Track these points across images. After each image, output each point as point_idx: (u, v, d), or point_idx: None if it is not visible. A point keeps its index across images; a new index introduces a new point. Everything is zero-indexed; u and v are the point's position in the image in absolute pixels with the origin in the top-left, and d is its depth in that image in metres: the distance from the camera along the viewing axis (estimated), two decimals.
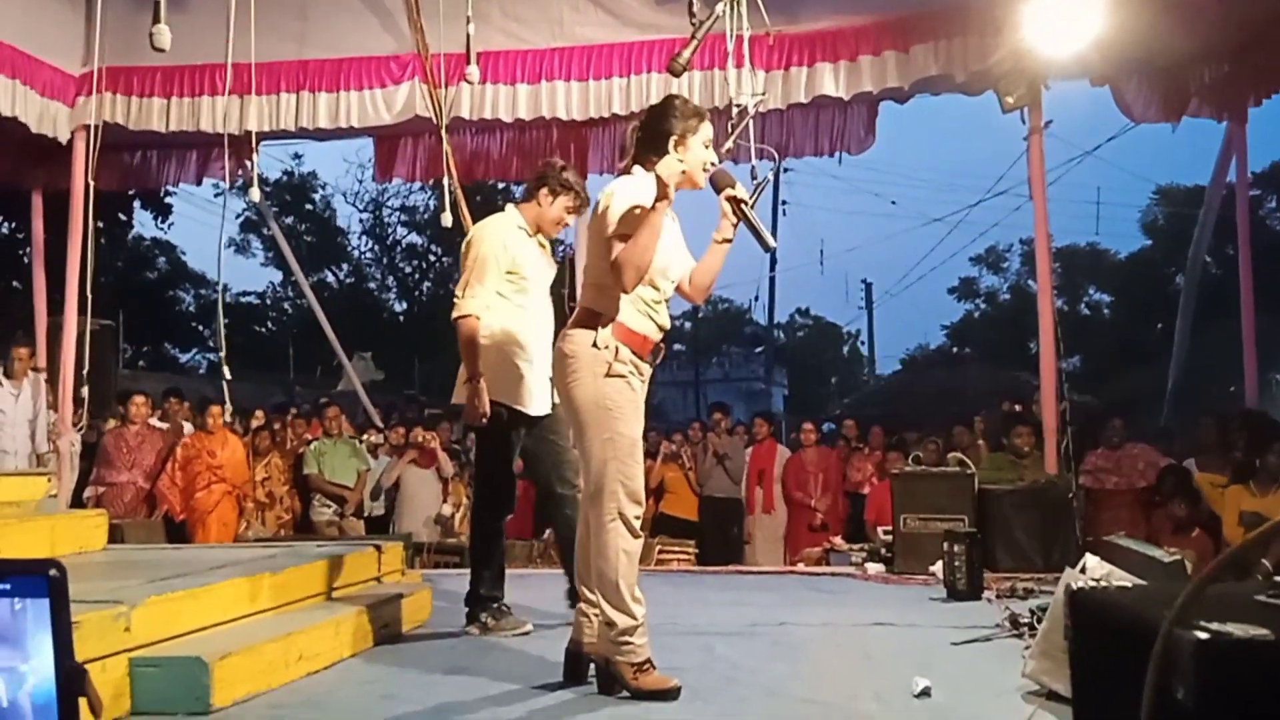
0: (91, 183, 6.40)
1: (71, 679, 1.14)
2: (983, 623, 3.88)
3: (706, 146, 3.01)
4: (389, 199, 28.22)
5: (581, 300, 3.04)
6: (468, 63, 5.74)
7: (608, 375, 2.87)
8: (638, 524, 2.91)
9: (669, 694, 2.83)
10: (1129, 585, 1.80)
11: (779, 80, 6.39)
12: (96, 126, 6.70)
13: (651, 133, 3.02)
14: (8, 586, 1.15)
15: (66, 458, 7.10)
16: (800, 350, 38.38)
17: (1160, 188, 25.52)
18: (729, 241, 3.03)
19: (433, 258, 28.85)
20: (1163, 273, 23.38)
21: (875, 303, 31.72)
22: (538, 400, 3.90)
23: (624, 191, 2.94)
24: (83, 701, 1.15)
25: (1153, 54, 6.48)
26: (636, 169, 3.03)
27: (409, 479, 8.12)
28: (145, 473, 7.27)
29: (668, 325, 3.07)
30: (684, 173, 2.92)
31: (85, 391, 6.69)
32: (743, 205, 2.94)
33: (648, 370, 2.99)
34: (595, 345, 2.88)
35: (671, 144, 2.96)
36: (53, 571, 1.15)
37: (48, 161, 7.72)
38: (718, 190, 2.98)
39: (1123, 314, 27.05)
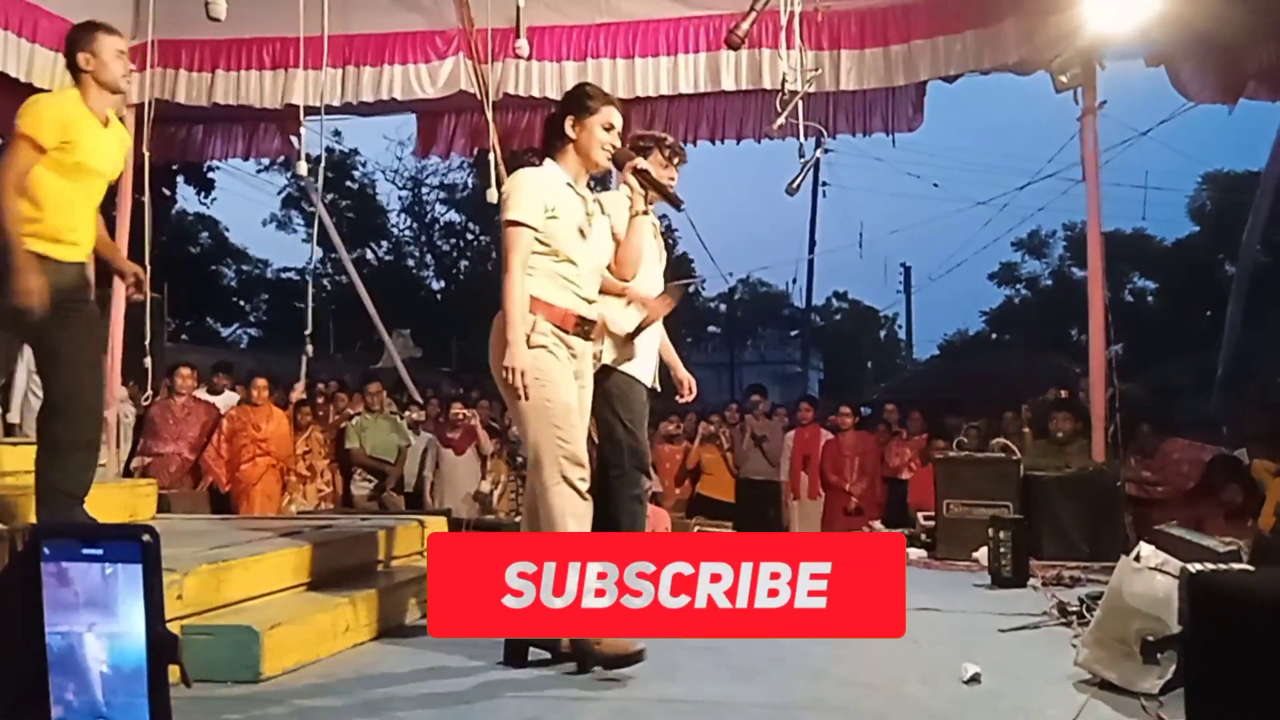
0: (146, 154, 6.45)
1: (163, 646, 1.14)
2: (1029, 610, 3.84)
3: (606, 129, 3.15)
4: (428, 177, 28.31)
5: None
6: (517, 37, 5.71)
7: (530, 347, 2.95)
8: (583, 486, 2.97)
9: (633, 657, 2.84)
10: (1249, 569, 1.75)
11: (826, 62, 6.31)
12: (150, 101, 6.74)
13: (554, 118, 3.17)
14: (100, 551, 1.16)
15: (114, 428, 7.21)
16: (837, 334, 38.11)
17: (1209, 173, 25.02)
18: (645, 213, 3.33)
19: (470, 236, 28.93)
20: (1210, 260, 22.93)
21: (914, 287, 31.41)
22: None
23: (526, 181, 3.06)
24: (173, 670, 1.15)
25: (1212, 32, 6.31)
26: (547, 161, 3.15)
27: (448, 455, 8.18)
28: (190, 444, 7.36)
29: (594, 298, 3.17)
30: (581, 156, 3.13)
31: (149, 363, 6.78)
32: (647, 174, 3.24)
33: (578, 343, 3.09)
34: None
35: (569, 125, 3.11)
36: (146, 537, 1.16)
37: None
38: (619, 167, 3.21)
39: (1167, 301, 26.60)
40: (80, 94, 3.42)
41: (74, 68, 3.45)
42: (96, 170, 3.47)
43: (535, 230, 3.00)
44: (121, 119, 3.83)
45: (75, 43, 3.44)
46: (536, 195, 3.03)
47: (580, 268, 3.09)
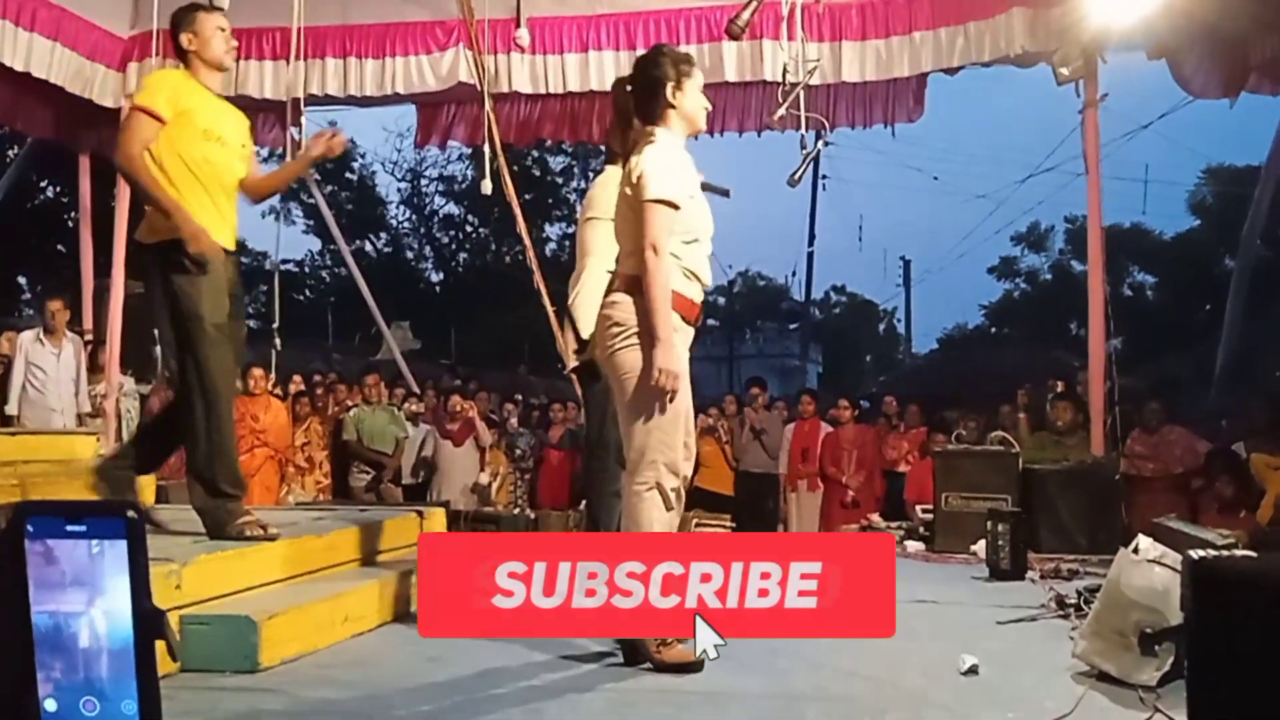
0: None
1: (148, 621, 1.14)
2: (1027, 603, 3.84)
3: (700, 90, 3.03)
4: (427, 169, 28.26)
5: (622, 266, 2.99)
6: (517, 26, 5.69)
7: None
8: (674, 496, 2.87)
9: (694, 666, 2.79)
10: (1252, 555, 1.76)
11: (827, 54, 6.30)
12: None
13: (651, 81, 2.99)
14: (84, 528, 1.15)
15: (112, 417, 7.21)
16: (836, 327, 38.10)
17: (1209, 167, 24.98)
18: None
19: (470, 228, 28.90)
20: (1210, 254, 22.91)
21: (914, 280, 31.39)
22: None
23: (664, 154, 2.91)
24: (160, 646, 1.15)
25: (1214, 24, 6.29)
26: (659, 131, 2.96)
27: (446, 447, 8.18)
28: None
29: (710, 284, 3.05)
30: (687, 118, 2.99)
31: (158, 352, 6.76)
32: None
33: (690, 334, 2.97)
34: None
35: (669, 90, 2.96)
36: (130, 513, 1.15)
37: (96, 124, 7.79)
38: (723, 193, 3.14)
39: (1167, 295, 26.58)
40: (188, 73, 3.50)
41: (180, 51, 3.51)
42: (222, 138, 3.49)
43: (678, 210, 2.86)
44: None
45: (177, 25, 3.52)
46: (679, 172, 2.90)
47: (706, 251, 2.99)
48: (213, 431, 3.41)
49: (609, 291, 2.99)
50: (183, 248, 3.27)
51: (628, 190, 2.94)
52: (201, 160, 3.42)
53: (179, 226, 3.26)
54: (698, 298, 2.97)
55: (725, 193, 3.02)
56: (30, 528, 1.17)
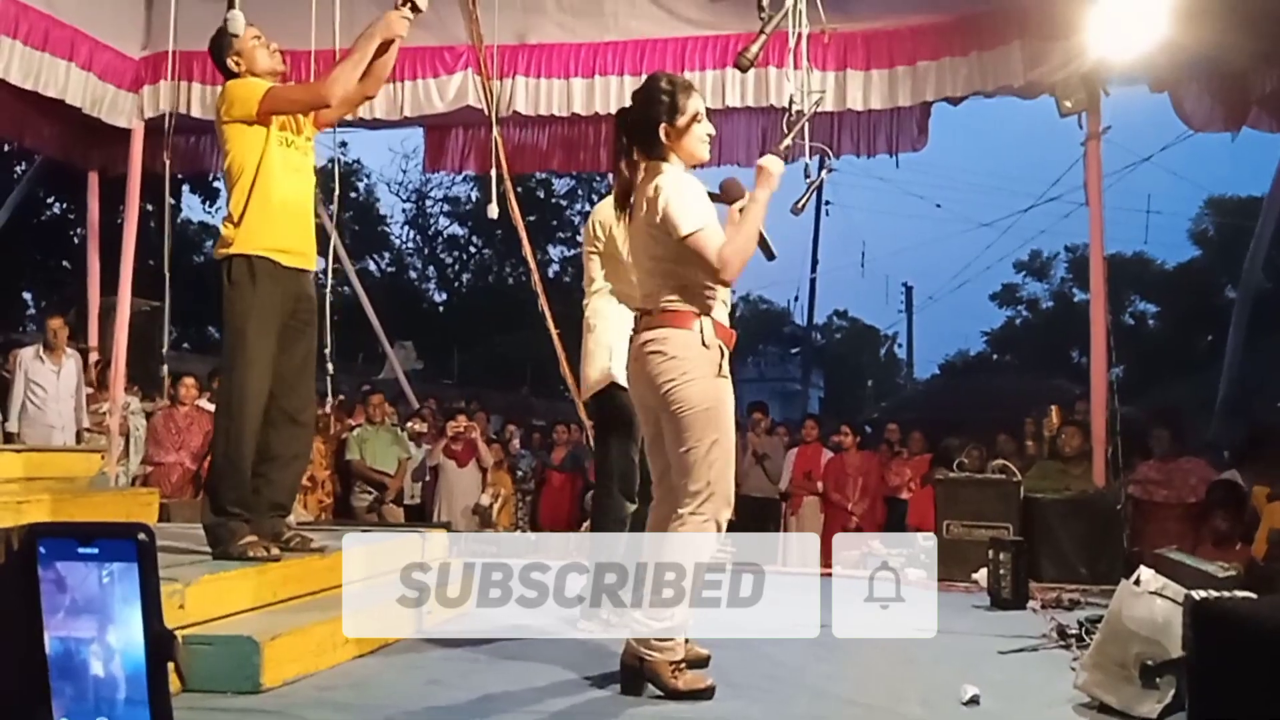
0: (167, 162, 6.49)
1: (160, 645, 1.14)
2: (1029, 632, 3.84)
3: (699, 120, 2.96)
4: (432, 189, 28.38)
5: (664, 301, 2.89)
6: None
7: (718, 376, 2.84)
8: (724, 529, 2.87)
9: (705, 693, 2.80)
10: (1252, 596, 1.76)
11: (832, 83, 6.35)
12: (168, 114, 6.78)
13: (649, 121, 2.92)
14: (96, 551, 1.16)
15: (118, 435, 7.21)
16: (837, 352, 38.11)
17: (1211, 198, 25.08)
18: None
19: (473, 249, 28.98)
20: (1212, 284, 22.96)
21: (915, 307, 31.43)
22: None
23: (681, 187, 2.88)
24: (171, 668, 1.16)
25: (1215, 59, 6.35)
26: (665, 166, 2.92)
27: (448, 468, 8.17)
28: (192, 454, 7.36)
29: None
30: (695, 148, 2.95)
31: (165, 370, 6.82)
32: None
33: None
34: (705, 345, 2.83)
35: (664, 132, 2.89)
36: (141, 535, 1.16)
37: (106, 143, 7.85)
38: (729, 202, 2.98)
39: (1168, 325, 26.62)
40: None
41: (230, 75, 3.59)
42: (296, 144, 3.57)
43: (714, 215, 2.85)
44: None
45: (220, 52, 3.61)
46: (699, 195, 2.88)
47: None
48: (230, 449, 3.45)
49: (646, 328, 2.91)
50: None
51: (648, 226, 2.90)
52: (292, 170, 3.53)
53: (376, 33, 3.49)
54: (729, 324, 2.98)
55: (770, 255, 3.00)
56: (42, 550, 1.17)
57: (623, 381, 3.40)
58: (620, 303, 3.75)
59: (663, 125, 2.90)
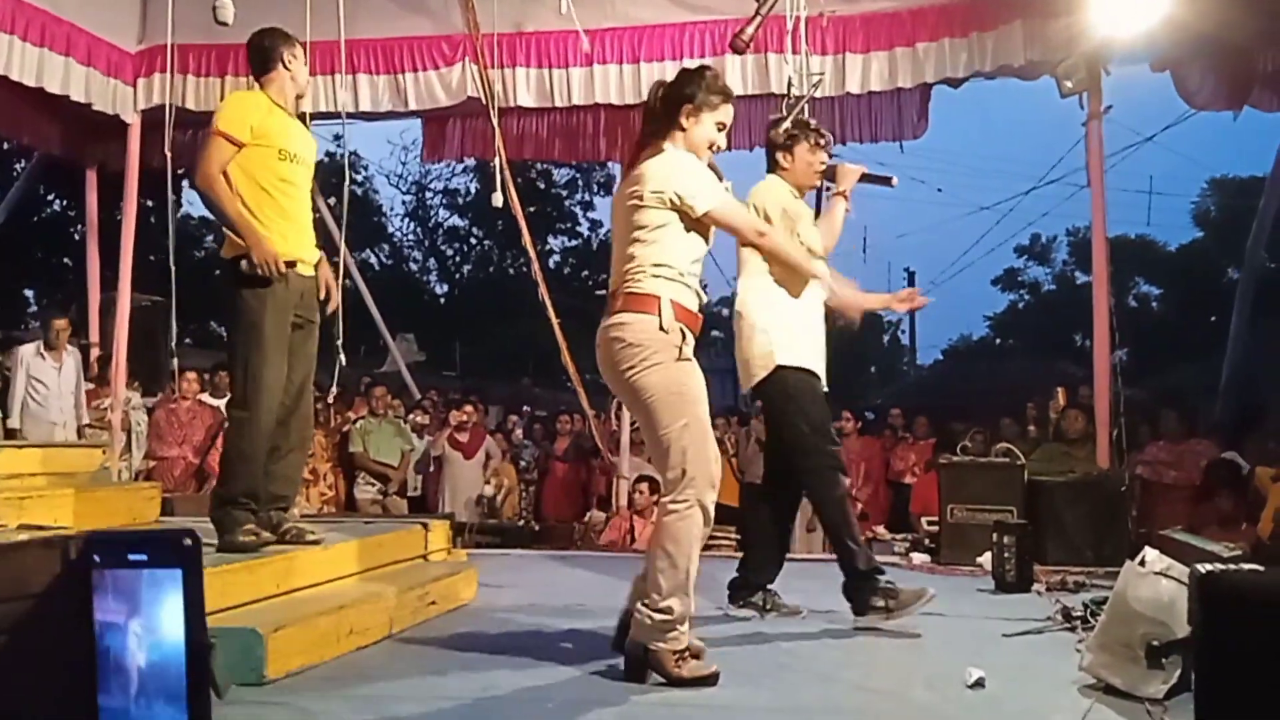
0: (169, 156, 6.47)
1: (200, 654, 1.16)
2: (1033, 615, 3.83)
3: (719, 129, 3.00)
4: (431, 181, 28.33)
5: (628, 285, 2.89)
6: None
7: (679, 360, 2.82)
8: (712, 510, 2.84)
9: (710, 680, 2.79)
10: (1260, 569, 1.74)
11: (831, 66, 6.32)
12: (168, 106, 6.75)
13: (673, 97, 2.98)
14: (144, 556, 1.17)
15: (119, 431, 7.22)
16: (840, 338, 37.91)
17: (1214, 179, 24.98)
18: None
19: (474, 240, 28.95)
20: (1215, 265, 22.89)
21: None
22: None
23: (685, 169, 2.90)
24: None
25: (1217, 37, 6.31)
26: (666, 145, 2.96)
27: (452, 459, 8.17)
28: (195, 448, 7.38)
29: (704, 298, 3.04)
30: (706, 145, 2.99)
31: (174, 364, 6.84)
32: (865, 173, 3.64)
33: (692, 342, 2.93)
34: (663, 329, 2.82)
35: (685, 112, 2.95)
36: (186, 540, 1.17)
37: (104, 139, 7.83)
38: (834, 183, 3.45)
39: (1172, 307, 26.55)
40: (268, 95, 3.65)
41: (262, 74, 3.68)
42: (298, 155, 3.61)
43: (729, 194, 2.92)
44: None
45: (273, 49, 3.68)
46: (704, 172, 2.92)
47: (701, 264, 3.00)
48: (244, 442, 3.50)
49: (609, 313, 2.91)
50: (250, 259, 3.40)
51: (624, 200, 2.94)
52: (278, 180, 3.54)
53: (250, 245, 3.39)
54: (696, 309, 2.95)
55: (889, 181, 3.27)
56: (96, 557, 1.20)
57: (785, 362, 3.60)
58: (778, 285, 3.76)
59: (688, 105, 2.95)
